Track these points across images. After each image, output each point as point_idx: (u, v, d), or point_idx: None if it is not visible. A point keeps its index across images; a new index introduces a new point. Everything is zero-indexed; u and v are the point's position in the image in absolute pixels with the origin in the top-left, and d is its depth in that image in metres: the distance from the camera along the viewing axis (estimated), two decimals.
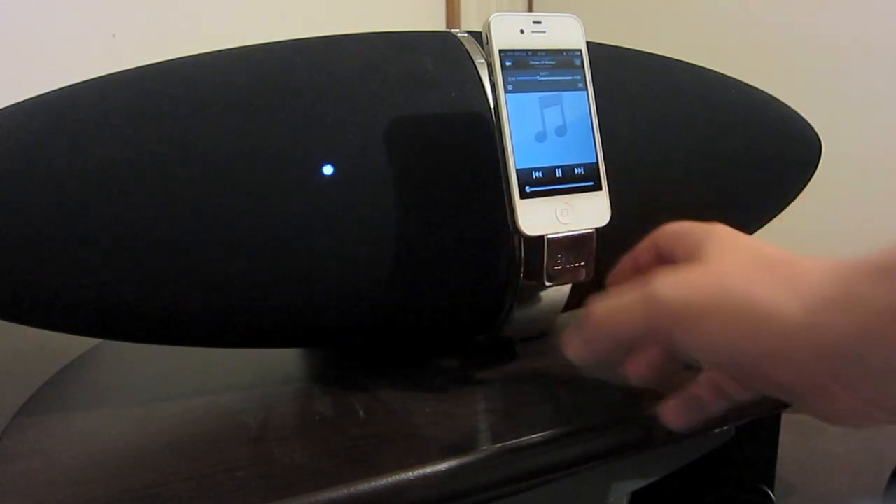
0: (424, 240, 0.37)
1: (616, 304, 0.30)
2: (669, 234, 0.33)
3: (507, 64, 0.35)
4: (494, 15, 0.35)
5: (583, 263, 0.36)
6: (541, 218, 0.35)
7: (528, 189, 0.35)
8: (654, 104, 0.44)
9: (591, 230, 0.36)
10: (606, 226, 0.37)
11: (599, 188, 0.37)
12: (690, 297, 0.27)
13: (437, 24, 1.14)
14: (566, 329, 0.32)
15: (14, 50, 0.61)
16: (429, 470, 0.31)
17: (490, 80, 0.35)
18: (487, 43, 0.35)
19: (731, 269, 0.27)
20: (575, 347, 0.32)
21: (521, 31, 0.36)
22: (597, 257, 0.37)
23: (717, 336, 0.27)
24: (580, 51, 0.37)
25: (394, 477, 0.31)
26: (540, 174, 0.35)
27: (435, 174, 0.37)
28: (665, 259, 0.33)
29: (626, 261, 0.36)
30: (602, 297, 0.31)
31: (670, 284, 0.28)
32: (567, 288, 0.40)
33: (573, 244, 0.36)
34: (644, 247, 0.35)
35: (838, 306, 0.24)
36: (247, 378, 0.43)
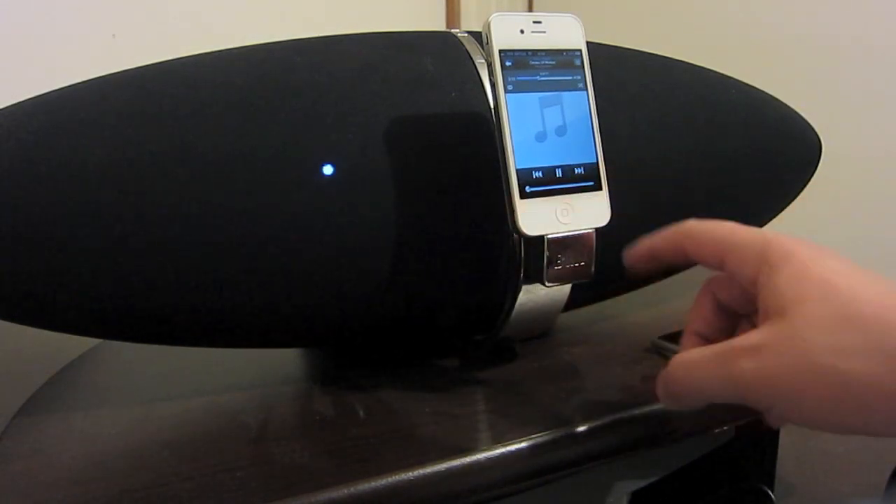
0: (424, 240, 0.37)
1: (697, 368, 0.28)
2: (708, 242, 0.31)
3: (507, 64, 0.35)
4: (494, 15, 0.35)
5: (583, 263, 0.36)
6: (541, 218, 0.35)
7: (528, 189, 0.35)
8: (654, 104, 0.44)
9: (591, 230, 0.36)
10: (606, 226, 0.37)
11: (599, 188, 0.37)
12: (778, 377, 0.26)
13: (437, 24, 1.14)
14: (659, 374, 0.31)
15: (14, 50, 0.61)
16: (429, 470, 0.31)
17: (490, 80, 0.35)
18: (487, 43, 0.35)
19: (817, 338, 0.25)
20: (663, 398, 0.31)
21: (521, 31, 0.36)
22: (597, 257, 0.37)
23: (814, 413, 0.26)
24: (580, 51, 0.37)
25: (394, 477, 0.31)
26: (540, 174, 0.35)
27: (435, 174, 0.37)
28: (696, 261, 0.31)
29: (643, 248, 0.34)
30: (683, 353, 0.29)
31: (754, 362, 0.26)
32: (567, 288, 0.40)
33: (573, 244, 0.36)
34: (667, 244, 0.33)
35: None
36: (247, 378, 0.43)
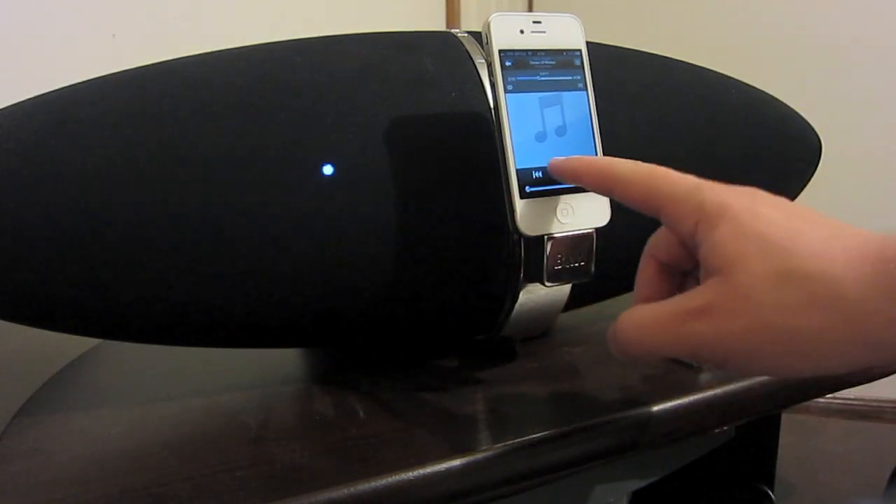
0: (424, 240, 0.37)
1: (648, 330, 0.29)
2: (641, 190, 0.31)
3: (507, 64, 0.35)
4: (494, 15, 0.35)
5: (583, 263, 0.36)
6: (541, 218, 0.35)
7: (528, 189, 0.35)
8: (655, 104, 0.44)
9: (591, 230, 0.36)
10: (606, 226, 0.37)
11: None
12: (730, 337, 0.26)
13: (437, 24, 1.14)
14: (608, 331, 0.30)
15: (14, 50, 0.61)
16: (429, 470, 0.31)
17: (490, 80, 0.35)
18: (487, 43, 0.35)
19: (763, 296, 0.26)
20: (615, 353, 0.30)
21: (521, 31, 0.36)
22: (597, 257, 0.37)
23: (767, 365, 0.27)
24: (580, 51, 0.37)
25: (394, 477, 0.31)
26: (540, 174, 0.35)
27: (435, 174, 0.37)
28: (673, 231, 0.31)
29: (567, 168, 0.34)
30: (632, 310, 0.29)
31: (705, 324, 0.27)
32: (567, 288, 0.40)
33: (573, 244, 0.36)
34: (593, 179, 0.33)
35: (883, 311, 0.24)
36: (247, 378, 0.43)
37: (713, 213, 0.28)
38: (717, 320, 0.26)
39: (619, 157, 0.40)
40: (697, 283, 0.29)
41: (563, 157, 0.34)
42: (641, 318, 0.29)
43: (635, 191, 0.31)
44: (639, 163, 0.31)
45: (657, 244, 0.33)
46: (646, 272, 0.33)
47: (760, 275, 0.26)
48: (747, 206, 0.27)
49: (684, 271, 0.33)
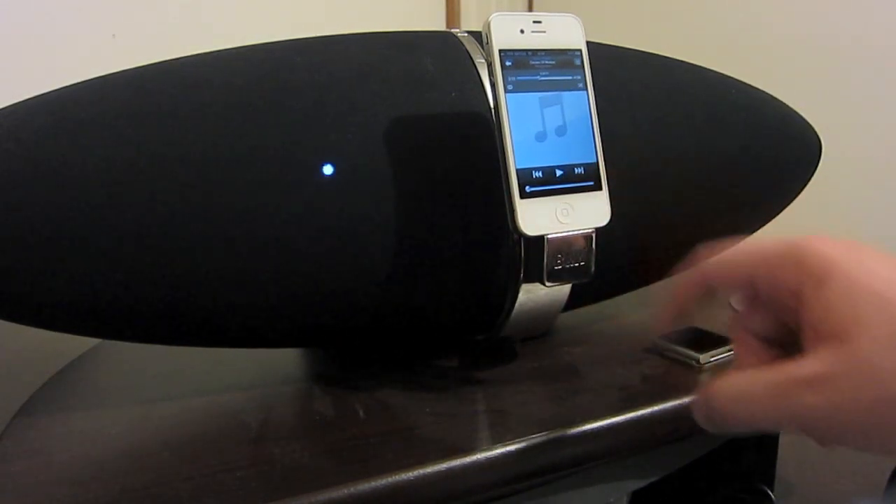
0: (424, 240, 0.37)
1: (748, 401, 0.26)
2: (734, 270, 0.28)
3: (507, 64, 0.35)
4: (494, 15, 0.35)
5: (583, 263, 0.36)
6: (541, 218, 0.35)
7: (528, 189, 0.35)
8: (655, 104, 0.44)
9: (591, 230, 0.36)
10: (606, 226, 0.37)
11: (599, 188, 0.37)
12: (849, 411, 0.23)
13: (437, 24, 1.14)
14: (696, 395, 0.28)
15: (14, 50, 0.61)
16: (429, 470, 0.31)
17: (490, 80, 0.35)
18: (487, 43, 0.35)
19: (887, 364, 0.23)
20: (702, 423, 0.28)
21: (521, 31, 0.36)
22: (597, 257, 0.37)
23: (890, 443, 0.24)
24: (580, 51, 0.37)
25: (394, 477, 0.31)
26: (540, 174, 0.35)
27: (435, 174, 0.37)
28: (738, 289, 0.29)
29: (669, 313, 0.32)
30: (727, 378, 0.27)
31: (819, 397, 0.24)
32: (567, 288, 0.40)
33: (573, 244, 0.36)
34: (693, 293, 0.30)
35: None
36: (247, 378, 0.43)
37: (817, 269, 0.25)
38: (835, 392, 0.23)
39: (619, 156, 0.40)
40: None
41: (660, 315, 0.32)
42: (740, 387, 0.26)
43: (722, 272, 0.29)
44: (725, 250, 0.29)
45: (750, 316, 0.29)
46: (741, 349, 0.29)
47: (884, 339, 0.23)
48: (855, 262, 0.25)
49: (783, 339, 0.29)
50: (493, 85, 0.35)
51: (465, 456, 0.32)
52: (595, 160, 0.37)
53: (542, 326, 0.45)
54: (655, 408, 0.36)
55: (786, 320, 0.28)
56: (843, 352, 0.24)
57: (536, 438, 0.34)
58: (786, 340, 0.28)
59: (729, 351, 0.41)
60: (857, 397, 0.23)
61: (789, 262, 0.26)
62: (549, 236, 0.35)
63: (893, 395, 0.23)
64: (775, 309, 0.28)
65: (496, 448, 0.33)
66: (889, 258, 0.25)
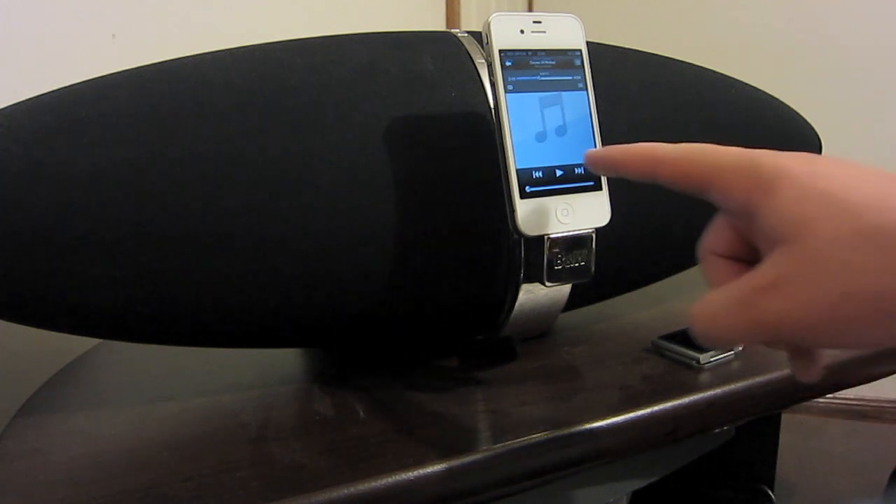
0: (424, 240, 0.37)
1: (719, 321, 0.26)
2: (686, 167, 0.28)
3: (507, 64, 0.35)
4: (494, 15, 0.35)
5: (583, 263, 0.36)
6: (541, 218, 0.35)
7: (528, 189, 0.35)
8: (655, 104, 0.44)
9: (591, 230, 0.36)
10: (606, 226, 0.37)
11: (599, 188, 0.37)
12: (809, 310, 0.23)
13: (437, 24, 1.14)
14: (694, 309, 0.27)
15: (14, 50, 0.61)
16: (429, 470, 0.31)
17: (490, 80, 0.35)
18: (487, 43, 0.35)
19: (838, 261, 0.23)
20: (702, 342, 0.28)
21: (521, 31, 0.36)
22: (597, 257, 0.37)
23: (855, 337, 0.24)
24: (580, 51, 0.37)
25: (394, 477, 0.31)
26: (540, 174, 0.35)
27: (435, 174, 0.37)
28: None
29: (606, 156, 0.31)
30: (701, 300, 0.26)
31: (778, 300, 0.24)
32: (567, 288, 0.40)
33: (573, 244, 0.36)
34: (634, 164, 0.30)
35: None
36: (247, 378, 0.43)
37: (768, 178, 0.25)
38: (792, 293, 0.24)
39: None
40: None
41: (598, 148, 0.32)
42: (710, 307, 0.26)
43: (681, 169, 0.28)
44: (680, 144, 0.29)
45: (712, 237, 0.30)
46: (709, 271, 0.30)
47: (833, 237, 0.23)
48: (803, 166, 0.25)
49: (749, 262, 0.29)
50: (493, 85, 0.35)
51: (465, 456, 0.32)
52: None
53: (542, 326, 0.45)
54: (655, 408, 0.36)
55: (745, 235, 0.28)
56: (795, 252, 0.24)
57: (536, 438, 0.34)
58: (752, 258, 0.28)
59: (729, 351, 0.41)
60: (816, 295, 0.23)
61: (742, 173, 0.26)
62: (549, 236, 0.35)
63: (850, 288, 0.23)
64: (733, 224, 0.28)
65: (496, 448, 0.33)
66: (842, 161, 0.25)
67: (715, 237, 0.30)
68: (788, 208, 0.24)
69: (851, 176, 0.24)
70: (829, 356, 0.28)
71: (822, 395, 0.43)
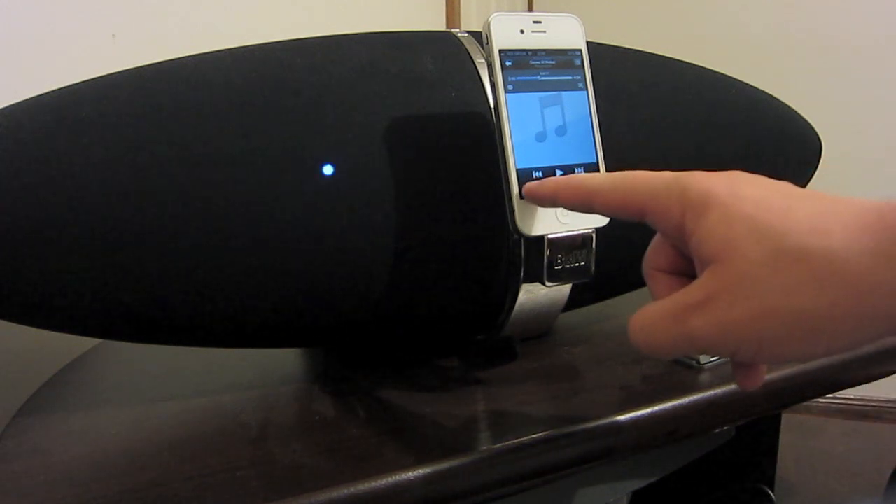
0: (424, 240, 0.37)
1: (653, 331, 0.27)
2: (620, 197, 0.29)
3: (507, 64, 0.35)
4: (494, 15, 0.35)
5: (583, 263, 0.36)
6: (541, 218, 0.35)
7: None
8: (655, 104, 0.44)
9: (591, 230, 0.36)
10: (606, 226, 0.37)
11: None
12: (732, 327, 0.25)
13: (437, 24, 1.14)
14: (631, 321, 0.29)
15: (14, 50, 0.61)
16: (429, 470, 0.31)
17: (490, 80, 0.35)
18: (487, 43, 0.35)
19: (759, 280, 0.24)
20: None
21: (521, 31, 0.36)
22: (597, 257, 0.37)
23: (776, 351, 0.25)
24: (580, 51, 0.37)
25: (394, 477, 0.31)
26: (540, 174, 0.35)
27: (435, 174, 0.37)
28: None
29: (545, 191, 0.33)
30: (640, 311, 0.28)
31: (704, 317, 0.26)
32: (567, 288, 0.40)
33: (573, 244, 0.36)
34: (572, 197, 0.31)
35: (890, 280, 0.23)
36: (247, 378, 0.43)
37: (697, 202, 0.27)
38: (718, 311, 0.25)
39: (619, 157, 0.40)
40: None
41: (536, 182, 0.34)
42: (644, 319, 0.28)
43: (615, 198, 0.30)
44: (612, 173, 0.31)
45: (653, 255, 0.31)
46: (654, 286, 0.31)
47: (756, 258, 0.25)
48: (730, 189, 0.26)
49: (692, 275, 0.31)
50: (493, 85, 0.35)
51: (465, 456, 0.32)
52: (595, 160, 0.37)
53: (542, 326, 0.45)
54: (655, 408, 0.36)
55: (684, 252, 0.30)
56: (722, 272, 0.25)
57: (536, 438, 0.34)
58: (692, 272, 0.29)
59: None
60: (741, 313, 0.25)
61: (674, 197, 0.28)
62: (549, 236, 0.35)
63: (770, 306, 0.24)
64: (672, 244, 0.30)
65: (496, 448, 0.33)
66: (764, 181, 0.27)
67: (656, 255, 0.31)
68: (716, 230, 0.26)
69: (779, 199, 0.26)
70: (772, 366, 0.29)
71: (821, 395, 0.43)
